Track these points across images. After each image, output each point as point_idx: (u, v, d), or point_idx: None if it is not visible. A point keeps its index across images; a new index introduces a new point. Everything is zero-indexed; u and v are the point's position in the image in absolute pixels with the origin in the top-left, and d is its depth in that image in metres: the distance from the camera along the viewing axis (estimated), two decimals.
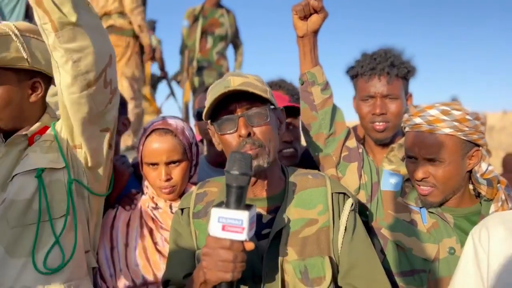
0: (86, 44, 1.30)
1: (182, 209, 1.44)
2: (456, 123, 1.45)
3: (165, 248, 1.66)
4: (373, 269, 1.31)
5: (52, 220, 1.44)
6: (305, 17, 1.51)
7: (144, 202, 1.79)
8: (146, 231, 1.75)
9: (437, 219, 1.52)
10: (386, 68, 1.86)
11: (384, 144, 1.96)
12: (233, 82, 1.29)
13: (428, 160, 1.47)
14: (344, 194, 1.38)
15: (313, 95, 1.55)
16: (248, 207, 1.14)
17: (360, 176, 1.59)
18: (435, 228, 1.51)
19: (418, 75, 1.96)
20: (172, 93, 6.30)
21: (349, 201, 1.36)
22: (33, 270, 1.40)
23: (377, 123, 1.90)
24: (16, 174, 1.46)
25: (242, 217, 1.09)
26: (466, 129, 1.45)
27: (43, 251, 1.43)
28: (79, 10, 1.28)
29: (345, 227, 1.32)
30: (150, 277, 1.67)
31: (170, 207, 1.74)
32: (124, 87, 4.70)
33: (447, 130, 1.45)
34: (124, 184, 1.95)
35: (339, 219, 1.33)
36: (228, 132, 1.30)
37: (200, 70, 5.48)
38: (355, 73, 1.96)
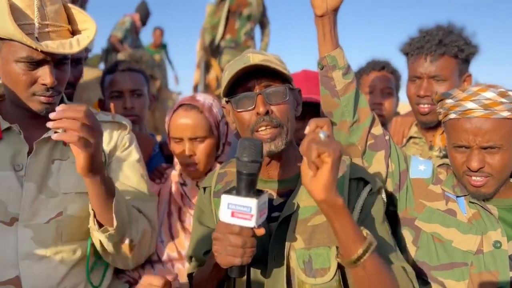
0: None
1: (204, 188, 1.44)
2: None
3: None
4: (383, 246, 1.21)
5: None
6: None
7: (174, 175, 1.79)
8: (174, 209, 1.75)
9: (478, 210, 1.41)
10: (433, 46, 1.74)
11: (430, 127, 1.86)
12: (253, 58, 1.26)
13: (484, 148, 1.34)
14: (363, 179, 1.29)
15: (334, 80, 1.44)
16: (258, 193, 1.12)
17: (388, 165, 1.49)
18: (477, 219, 1.39)
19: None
20: None
21: (367, 187, 1.28)
22: None
23: (422, 105, 1.80)
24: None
25: (251, 204, 1.07)
26: None
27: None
28: None
29: (359, 211, 1.25)
30: (174, 254, 1.68)
31: (197, 185, 1.73)
32: None
33: (505, 114, 1.31)
34: (150, 152, 1.99)
35: (355, 205, 1.25)
36: (245, 109, 1.26)
37: (226, 50, 5.39)
38: (405, 52, 1.86)
